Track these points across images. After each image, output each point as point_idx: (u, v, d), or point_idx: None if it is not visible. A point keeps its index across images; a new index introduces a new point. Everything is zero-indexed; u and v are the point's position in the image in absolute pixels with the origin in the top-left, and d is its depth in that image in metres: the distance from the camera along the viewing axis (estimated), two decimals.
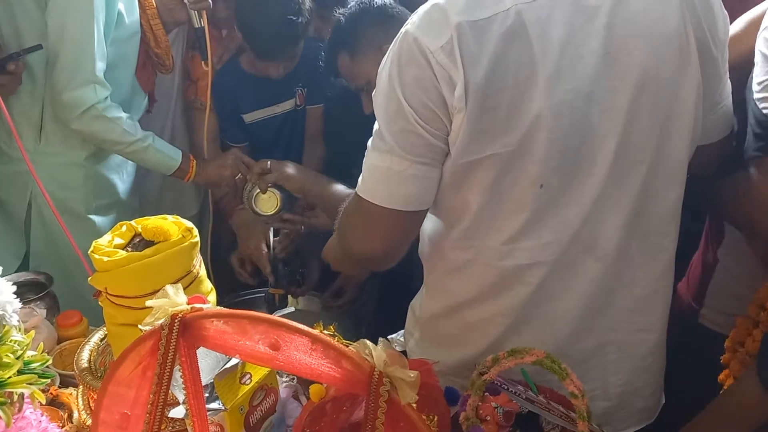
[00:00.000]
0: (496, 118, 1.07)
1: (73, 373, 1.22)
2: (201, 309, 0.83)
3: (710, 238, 1.48)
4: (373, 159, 1.14)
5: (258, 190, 1.79)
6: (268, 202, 1.81)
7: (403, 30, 1.10)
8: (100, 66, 1.67)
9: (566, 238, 1.16)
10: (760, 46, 1.21)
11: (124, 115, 1.74)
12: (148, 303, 0.85)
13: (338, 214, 1.30)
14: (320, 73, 1.93)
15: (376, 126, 1.15)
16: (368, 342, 0.79)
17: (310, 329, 0.78)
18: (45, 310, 1.36)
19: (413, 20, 1.10)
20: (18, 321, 0.82)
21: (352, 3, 1.69)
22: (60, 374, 1.30)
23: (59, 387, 1.26)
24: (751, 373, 1.17)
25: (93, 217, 1.82)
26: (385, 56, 1.13)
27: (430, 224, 1.23)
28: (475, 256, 1.19)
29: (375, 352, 0.77)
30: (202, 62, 1.88)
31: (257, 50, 1.88)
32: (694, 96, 1.14)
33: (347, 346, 0.78)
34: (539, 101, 1.07)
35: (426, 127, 1.09)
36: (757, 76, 1.20)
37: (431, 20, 1.08)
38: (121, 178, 1.90)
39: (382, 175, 1.13)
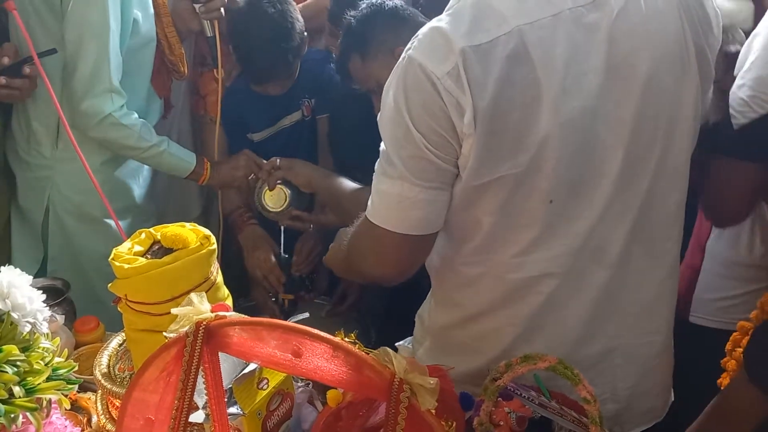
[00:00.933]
0: (505, 141, 1.08)
1: (90, 377, 1.23)
2: (225, 317, 0.85)
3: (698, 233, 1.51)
4: (383, 185, 1.14)
5: (266, 187, 1.82)
6: (275, 198, 1.84)
7: (405, 55, 1.10)
8: (117, 75, 1.69)
9: (576, 248, 1.18)
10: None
11: (139, 121, 1.76)
12: (173, 311, 0.87)
13: (345, 235, 1.31)
14: (326, 82, 1.96)
15: (383, 148, 1.15)
16: (389, 350, 0.81)
17: (332, 337, 0.80)
18: (63, 316, 1.38)
19: (415, 45, 1.10)
20: (47, 329, 0.84)
21: (364, 4, 1.69)
22: (80, 382, 1.31)
23: (77, 391, 1.27)
24: (742, 374, 1.19)
25: (109, 221, 1.84)
26: (389, 80, 1.13)
27: (439, 240, 1.23)
28: (485, 270, 1.21)
29: (396, 359, 0.79)
30: (213, 71, 1.91)
31: (251, 75, 1.94)
32: (693, 101, 1.17)
33: (368, 354, 0.80)
34: (546, 121, 1.08)
35: (436, 153, 1.10)
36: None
37: (435, 45, 1.08)
38: (137, 182, 1.92)
39: (393, 201, 1.14)
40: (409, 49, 1.10)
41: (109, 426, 1.15)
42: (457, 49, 1.05)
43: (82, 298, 1.64)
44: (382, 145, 1.15)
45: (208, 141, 2.04)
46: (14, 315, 0.78)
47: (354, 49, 1.68)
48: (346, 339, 0.80)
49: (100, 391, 1.20)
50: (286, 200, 1.83)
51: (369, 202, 1.18)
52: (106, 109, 1.70)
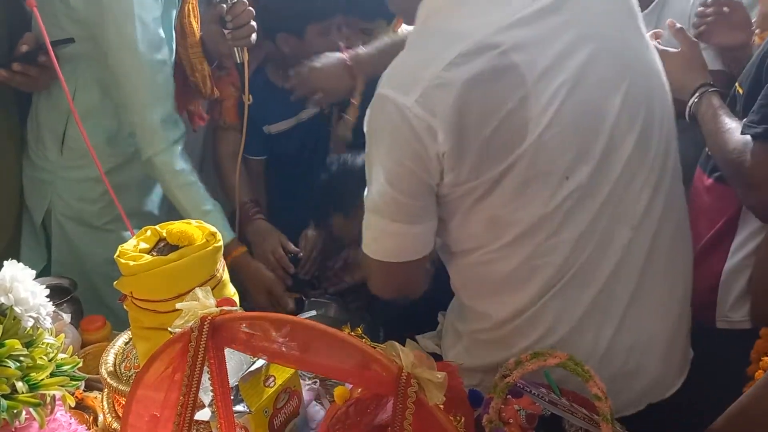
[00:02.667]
0: (493, 139, 1.11)
1: (97, 376, 1.23)
2: (230, 311, 0.84)
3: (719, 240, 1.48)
4: (371, 221, 1.21)
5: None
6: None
7: (376, 93, 1.15)
8: (159, 114, 1.70)
9: (601, 216, 1.19)
10: None
11: (185, 182, 1.75)
12: (178, 305, 0.86)
13: None
14: None
15: (369, 184, 1.20)
16: (396, 343, 0.79)
17: (338, 331, 0.79)
18: (69, 315, 1.38)
19: (384, 81, 1.15)
20: (51, 324, 0.83)
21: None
22: (85, 379, 1.31)
23: (84, 390, 1.27)
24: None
25: (111, 227, 1.83)
26: (366, 122, 1.18)
27: (457, 252, 1.25)
28: (517, 263, 1.20)
29: (403, 353, 0.78)
30: (242, 96, 1.88)
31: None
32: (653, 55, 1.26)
33: (375, 348, 0.79)
34: (536, 105, 1.11)
35: (415, 192, 1.15)
36: None
37: (401, 77, 1.13)
38: (141, 189, 1.90)
39: (382, 235, 1.20)
40: (379, 86, 1.15)
41: (115, 425, 1.15)
42: (423, 76, 1.09)
43: (87, 302, 1.63)
44: (369, 183, 1.20)
45: (220, 147, 2.03)
46: (17, 309, 0.77)
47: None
48: (353, 334, 0.79)
49: (106, 389, 1.19)
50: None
51: (363, 235, 1.24)
52: (145, 152, 1.72)
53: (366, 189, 1.21)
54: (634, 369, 1.24)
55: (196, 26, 1.79)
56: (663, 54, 1.33)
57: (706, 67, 1.53)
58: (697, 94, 1.47)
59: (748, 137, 1.31)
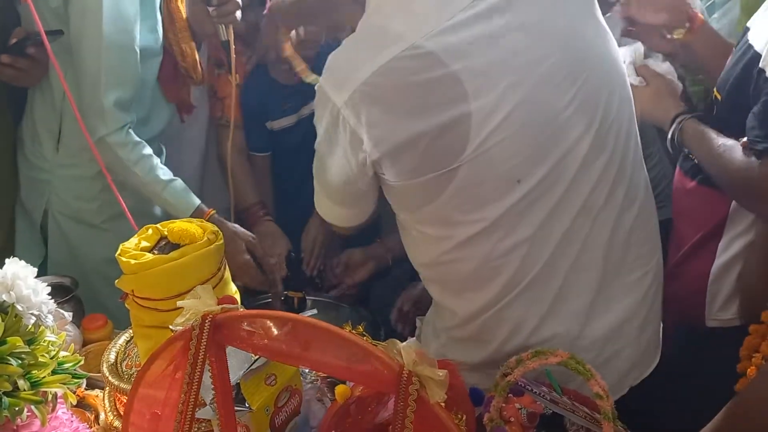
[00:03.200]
0: (432, 143, 1.11)
1: (99, 375, 1.23)
2: (231, 309, 0.84)
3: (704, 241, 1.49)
4: (320, 199, 1.33)
5: None
6: None
7: (319, 83, 1.18)
8: (113, 96, 1.64)
9: (560, 213, 1.18)
10: None
11: (140, 156, 1.70)
12: (180, 303, 0.86)
13: None
14: None
15: (321, 166, 1.26)
16: (397, 341, 0.79)
17: (339, 329, 0.79)
18: (71, 313, 1.38)
19: (325, 74, 1.17)
20: (52, 322, 0.83)
21: None
22: (86, 377, 1.31)
23: (85, 389, 1.27)
24: (764, 374, 1.17)
25: (107, 225, 1.83)
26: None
27: (422, 248, 1.28)
28: (478, 263, 1.20)
29: (404, 351, 0.78)
30: (228, 76, 1.89)
31: None
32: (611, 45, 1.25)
33: (376, 346, 0.79)
34: (478, 111, 1.10)
35: (355, 184, 1.20)
36: None
37: (337, 74, 1.15)
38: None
39: (331, 211, 1.33)
40: (322, 75, 1.18)
41: (116, 423, 1.15)
42: (354, 78, 1.10)
43: (86, 301, 1.63)
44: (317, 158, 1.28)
45: (223, 144, 2.03)
46: (18, 307, 0.77)
47: None
48: (354, 331, 0.79)
49: (107, 387, 1.19)
50: None
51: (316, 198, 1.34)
52: (97, 131, 1.65)
53: (316, 165, 1.28)
54: (611, 356, 1.26)
55: (182, 9, 1.78)
56: (632, 90, 1.33)
57: (676, 95, 1.52)
58: (675, 123, 1.46)
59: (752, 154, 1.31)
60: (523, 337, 1.21)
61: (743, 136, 1.33)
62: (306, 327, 0.79)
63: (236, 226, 1.79)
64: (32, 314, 0.79)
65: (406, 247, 1.31)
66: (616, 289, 1.25)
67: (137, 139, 1.70)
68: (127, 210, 1.56)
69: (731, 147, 1.34)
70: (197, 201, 1.75)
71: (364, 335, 0.79)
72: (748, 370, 1.28)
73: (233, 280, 1.70)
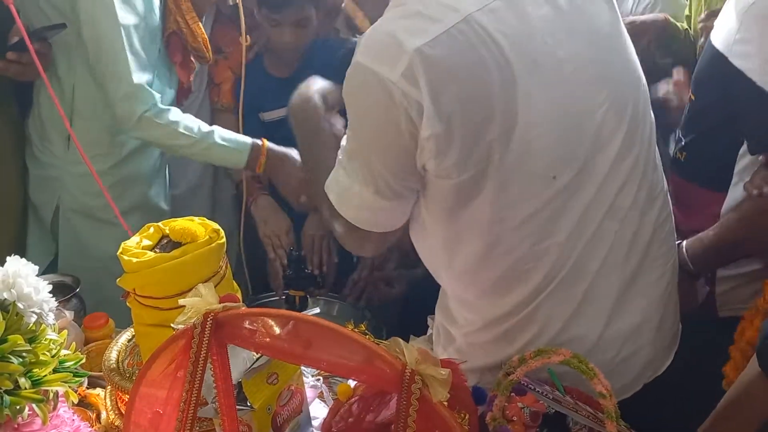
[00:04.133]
0: (484, 128, 1.06)
1: (100, 374, 1.23)
2: (233, 308, 0.84)
3: None
4: (354, 189, 1.15)
5: None
6: None
7: (354, 61, 1.08)
8: (140, 76, 1.68)
9: (592, 213, 1.17)
10: None
11: (180, 118, 1.73)
12: (181, 302, 0.86)
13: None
14: (338, 67, 1.94)
15: (344, 145, 1.15)
16: (400, 340, 0.79)
17: (342, 327, 0.78)
18: (72, 312, 1.38)
19: (362, 50, 1.07)
20: (54, 320, 0.83)
21: None
22: (87, 375, 1.31)
23: (87, 388, 1.27)
24: (753, 362, 1.17)
25: (118, 220, 1.83)
26: (345, 88, 1.12)
27: (443, 254, 1.23)
28: (506, 267, 1.18)
29: (407, 349, 0.77)
30: (239, 38, 1.89)
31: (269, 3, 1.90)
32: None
33: (378, 344, 0.79)
34: (524, 97, 1.07)
35: (396, 169, 1.11)
36: None
37: (383, 47, 1.05)
38: (149, 183, 1.90)
39: (364, 206, 1.15)
40: (358, 54, 1.08)
41: (117, 422, 1.15)
42: (409, 48, 1.02)
43: (92, 297, 1.63)
44: (344, 141, 1.16)
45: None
46: (20, 305, 0.77)
47: None
48: (357, 330, 0.79)
49: (109, 386, 1.19)
50: None
51: (329, 181, 1.19)
52: (136, 111, 1.68)
53: (342, 154, 1.17)
54: (628, 356, 1.24)
55: None
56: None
57: None
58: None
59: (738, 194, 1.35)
60: (548, 338, 1.19)
61: (717, 133, 1.38)
62: (308, 325, 0.79)
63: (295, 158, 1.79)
64: (33, 312, 0.78)
65: (425, 251, 1.27)
66: (637, 290, 1.24)
67: (167, 106, 1.73)
68: (119, 215, 1.56)
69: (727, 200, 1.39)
70: (249, 139, 1.78)
71: (366, 334, 0.78)
72: (733, 352, 1.29)
73: (291, 200, 1.75)
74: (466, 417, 0.86)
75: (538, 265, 1.16)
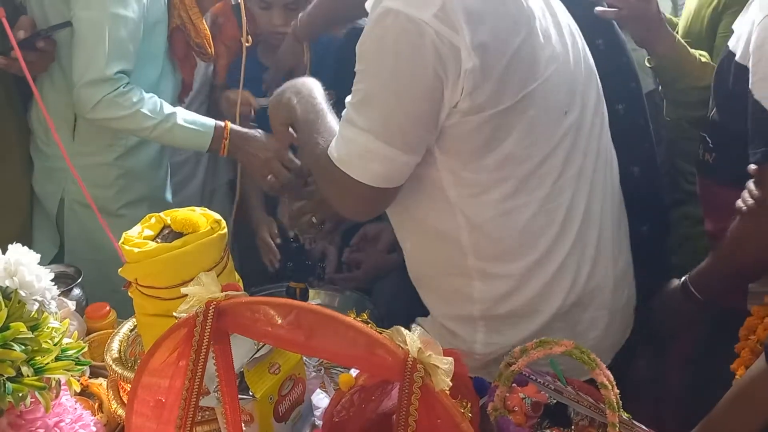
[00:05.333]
0: (513, 60, 1.12)
1: (102, 364, 1.23)
2: (235, 296, 0.84)
3: None
4: (348, 132, 1.15)
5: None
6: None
7: (382, 8, 1.07)
8: (115, 65, 1.65)
9: (590, 152, 1.27)
10: None
11: (141, 97, 1.68)
12: (183, 290, 0.86)
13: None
14: (333, 59, 1.93)
15: (352, 99, 1.15)
16: (402, 329, 0.79)
17: (344, 316, 0.78)
18: (74, 302, 1.37)
19: None
20: (56, 308, 0.83)
21: None
22: (89, 365, 1.31)
23: (89, 378, 1.27)
24: (761, 359, 1.17)
25: (124, 212, 1.84)
26: (366, 34, 1.11)
27: (467, 207, 1.23)
28: (533, 210, 1.22)
29: (409, 338, 0.77)
30: (241, 38, 1.88)
31: None
32: None
33: (380, 333, 0.79)
34: (542, 34, 1.17)
35: (415, 115, 1.11)
36: None
37: None
38: (154, 174, 1.90)
39: (356, 150, 1.14)
40: (385, 0, 1.08)
41: (120, 411, 1.15)
42: None
43: (97, 288, 1.63)
44: (352, 97, 1.16)
45: (218, 106, 2.04)
46: (22, 293, 0.77)
47: None
48: (359, 319, 0.79)
49: (111, 376, 1.19)
50: None
51: (333, 143, 1.19)
52: (97, 96, 1.64)
53: (350, 109, 1.16)
54: (630, 296, 1.39)
55: None
56: None
57: None
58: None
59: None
60: (580, 290, 1.27)
61: (744, 135, 1.35)
62: (310, 314, 0.79)
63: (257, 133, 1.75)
64: (35, 300, 0.78)
65: (432, 226, 1.26)
66: (622, 234, 1.38)
67: (133, 86, 1.68)
68: (100, 217, 1.55)
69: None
70: (212, 120, 1.74)
71: (369, 323, 0.78)
72: (742, 350, 1.29)
73: (259, 181, 1.70)
74: (469, 406, 0.85)
75: (560, 203, 1.22)
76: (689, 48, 1.62)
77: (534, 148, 1.17)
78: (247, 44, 1.89)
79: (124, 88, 1.67)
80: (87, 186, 1.78)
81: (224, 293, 0.85)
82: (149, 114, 1.68)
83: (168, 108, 1.72)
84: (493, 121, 1.13)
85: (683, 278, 1.47)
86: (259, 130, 1.75)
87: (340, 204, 1.26)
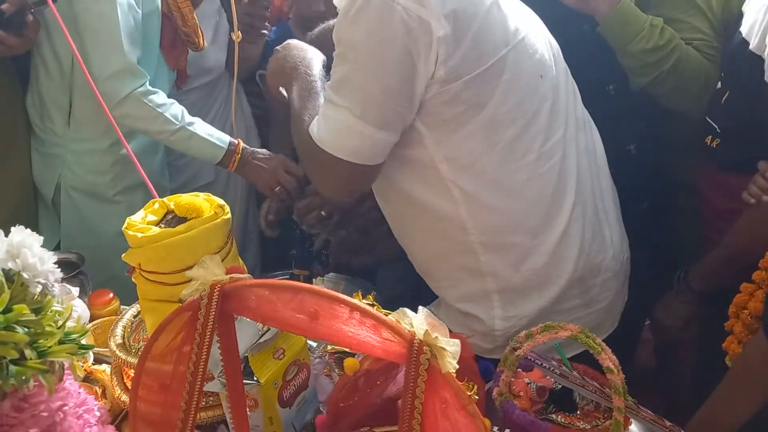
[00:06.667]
0: (485, 26, 1.18)
1: (106, 350, 1.22)
2: (240, 279, 0.83)
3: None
4: (328, 110, 1.20)
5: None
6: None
7: None
8: (133, 52, 1.66)
9: (570, 117, 1.32)
10: None
11: (166, 102, 1.71)
12: (188, 273, 0.85)
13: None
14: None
15: (332, 79, 1.20)
16: (408, 310, 0.78)
17: (349, 298, 0.78)
18: (77, 288, 1.37)
19: None
20: (59, 291, 0.82)
21: None
22: (93, 352, 1.31)
23: (92, 364, 1.27)
24: (758, 334, 1.17)
25: (120, 198, 1.83)
26: (341, 22, 1.16)
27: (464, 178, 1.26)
28: (527, 173, 1.26)
29: (415, 320, 0.77)
30: (231, 33, 1.88)
31: None
32: None
33: (386, 315, 0.78)
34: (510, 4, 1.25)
35: (397, 94, 1.16)
36: None
37: None
38: (150, 160, 1.89)
39: (335, 126, 1.19)
40: None
41: (123, 397, 1.15)
42: None
43: (96, 276, 1.63)
44: (331, 79, 1.20)
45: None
46: (25, 275, 0.76)
47: None
48: (365, 301, 0.78)
49: (114, 362, 1.19)
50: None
51: (314, 122, 1.23)
52: (125, 89, 1.65)
53: (330, 89, 1.21)
54: (627, 258, 1.44)
55: None
56: None
57: None
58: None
59: None
60: (586, 257, 1.32)
61: (753, 118, 1.36)
62: (316, 296, 0.78)
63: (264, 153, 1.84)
64: (38, 282, 0.78)
65: (430, 201, 1.29)
66: (614, 200, 1.43)
67: (156, 89, 1.71)
68: (147, 179, 1.55)
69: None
70: (228, 136, 1.79)
71: (375, 305, 0.77)
72: (734, 326, 1.29)
73: (267, 193, 1.78)
74: (475, 388, 0.85)
75: (550, 169, 1.27)
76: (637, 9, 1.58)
77: (516, 112, 1.22)
78: (237, 39, 1.88)
79: (149, 86, 1.68)
80: (83, 172, 1.79)
81: (228, 276, 0.84)
82: (171, 119, 1.71)
83: (188, 117, 1.74)
84: (471, 88, 1.17)
85: (679, 273, 1.48)
86: (262, 149, 1.84)
87: (320, 181, 1.31)
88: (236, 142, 1.79)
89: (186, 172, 2.08)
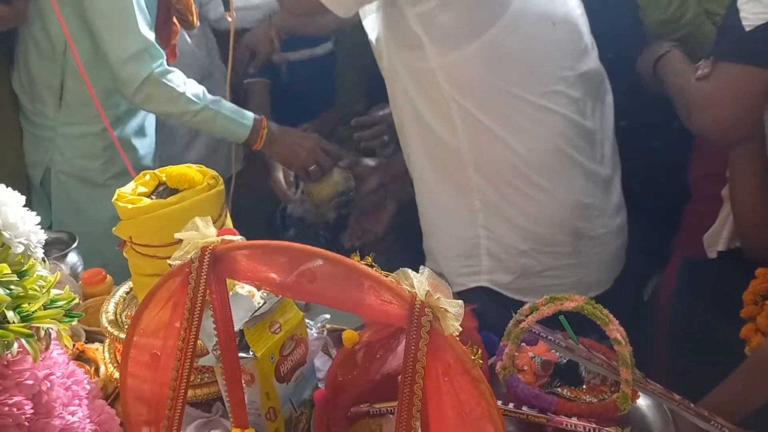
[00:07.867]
0: None
1: (98, 329, 1.19)
2: (232, 241, 0.80)
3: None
4: None
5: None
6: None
7: None
8: (147, 30, 1.62)
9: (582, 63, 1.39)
10: None
11: (185, 81, 1.67)
12: (177, 235, 0.82)
13: None
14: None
15: None
16: (409, 270, 0.75)
17: (347, 258, 0.74)
18: (69, 266, 1.34)
19: None
20: (42, 254, 0.79)
21: None
22: (86, 331, 1.28)
23: (85, 342, 1.24)
24: None
25: (111, 182, 1.80)
26: None
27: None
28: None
29: (416, 280, 0.73)
30: (226, 14, 1.85)
31: None
32: None
33: (386, 276, 0.75)
34: None
35: None
36: None
37: None
38: (142, 143, 1.86)
39: None
40: None
41: (116, 374, 1.11)
42: None
43: (89, 261, 1.59)
44: None
45: None
46: (5, 234, 0.73)
47: None
48: (363, 262, 0.74)
49: (107, 339, 1.16)
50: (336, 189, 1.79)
51: None
52: (144, 71, 1.60)
53: None
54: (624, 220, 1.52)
55: None
56: None
57: None
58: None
59: None
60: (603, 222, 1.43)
61: None
62: (312, 257, 0.75)
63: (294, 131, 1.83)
64: (20, 243, 0.74)
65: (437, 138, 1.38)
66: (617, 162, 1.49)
67: (174, 68, 1.67)
68: (130, 166, 1.53)
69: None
70: (251, 113, 1.74)
71: (374, 266, 0.74)
72: (758, 317, 1.25)
73: (299, 172, 1.80)
74: (479, 353, 0.82)
75: (554, 112, 1.32)
76: None
77: (522, 44, 1.27)
78: (230, 19, 1.85)
79: (167, 65, 1.64)
80: (73, 156, 1.76)
81: (220, 237, 0.80)
82: (193, 98, 1.65)
83: (210, 95, 1.69)
84: (476, 9, 1.25)
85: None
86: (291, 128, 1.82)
87: None
88: (260, 118, 1.74)
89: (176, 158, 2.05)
